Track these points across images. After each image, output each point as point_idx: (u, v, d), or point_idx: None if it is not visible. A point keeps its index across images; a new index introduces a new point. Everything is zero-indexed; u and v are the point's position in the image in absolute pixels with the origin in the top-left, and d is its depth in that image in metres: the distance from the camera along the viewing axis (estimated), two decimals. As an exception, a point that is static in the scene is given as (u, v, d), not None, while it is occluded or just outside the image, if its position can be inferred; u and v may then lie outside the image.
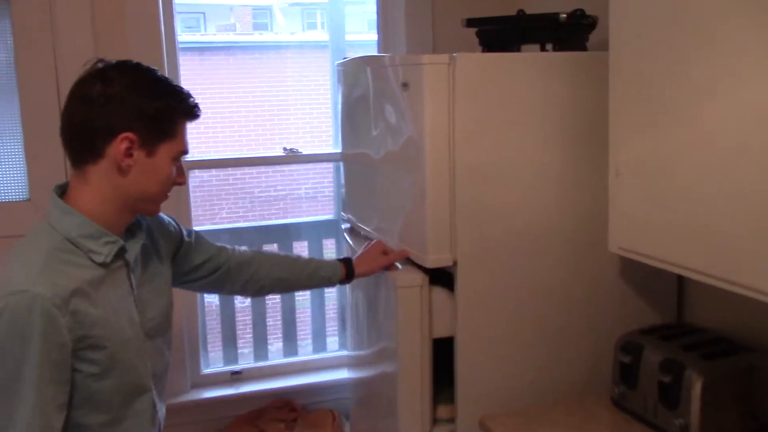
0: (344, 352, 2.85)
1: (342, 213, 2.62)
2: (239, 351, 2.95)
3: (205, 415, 2.65)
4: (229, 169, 2.82)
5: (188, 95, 1.44)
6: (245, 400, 2.69)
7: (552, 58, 2.04)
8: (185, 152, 1.45)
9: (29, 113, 2.46)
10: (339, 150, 2.63)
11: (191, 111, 1.43)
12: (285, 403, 2.71)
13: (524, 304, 1.98)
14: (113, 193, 1.39)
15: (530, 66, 1.96)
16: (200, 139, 2.76)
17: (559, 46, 2.10)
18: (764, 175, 1.44)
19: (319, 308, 3.06)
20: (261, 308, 2.99)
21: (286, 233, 3.07)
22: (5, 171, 2.50)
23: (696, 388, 1.67)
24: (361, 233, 2.39)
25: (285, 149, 2.77)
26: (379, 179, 2.22)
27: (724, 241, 1.56)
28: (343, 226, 2.59)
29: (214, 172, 2.86)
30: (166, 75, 2.50)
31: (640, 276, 2.07)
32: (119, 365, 1.39)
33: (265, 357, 2.96)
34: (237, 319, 2.99)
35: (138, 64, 1.43)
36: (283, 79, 2.89)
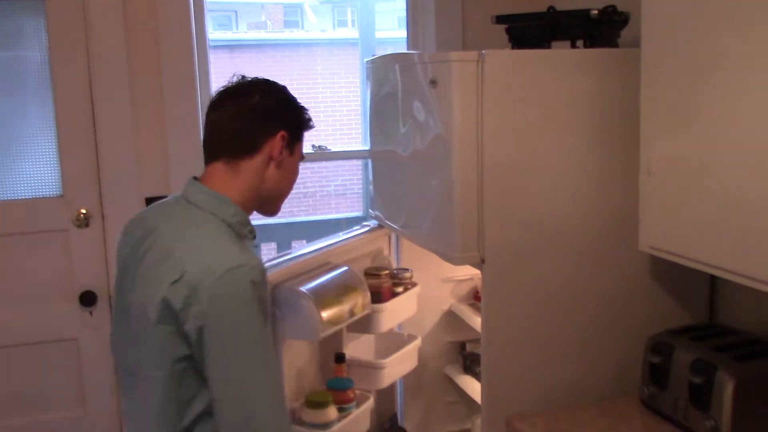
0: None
1: (370, 210, 2.62)
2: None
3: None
4: None
5: (307, 110, 1.72)
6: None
7: (582, 55, 2.02)
8: (303, 157, 1.74)
9: (63, 111, 2.50)
10: (368, 147, 2.63)
11: (311, 123, 1.73)
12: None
13: (552, 302, 1.96)
14: (259, 186, 1.63)
15: (560, 63, 1.94)
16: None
17: (590, 43, 2.07)
18: (799, 173, 1.41)
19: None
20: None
21: (314, 230, 3.09)
22: (39, 167, 2.54)
23: (728, 389, 1.64)
24: (392, 231, 2.39)
25: (314, 146, 2.78)
26: (407, 176, 2.22)
27: (758, 241, 1.53)
28: (370, 223, 2.59)
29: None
30: (197, 72, 2.56)
31: (671, 276, 2.04)
32: None
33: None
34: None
35: (275, 82, 1.71)
36: (313, 76, 2.91)
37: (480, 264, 1.91)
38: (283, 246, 3.13)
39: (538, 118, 1.91)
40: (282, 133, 1.61)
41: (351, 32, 2.90)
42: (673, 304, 2.08)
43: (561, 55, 2.02)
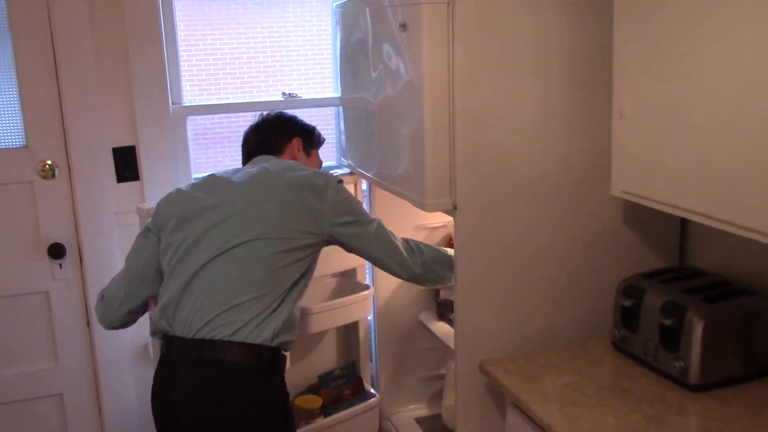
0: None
1: (342, 159, 2.59)
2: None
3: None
4: (232, 115, 2.80)
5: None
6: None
7: (556, -3, 1.98)
8: (321, 162, 2.38)
9: (24, 61, 2.42)
10: (339, 95, 2.59)
11: (321, 137, 2.35)
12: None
13: (525, 248, 1.96)
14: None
15: (533, 5, 1.90)
16: (201, 86, 2.73)
17: (564, -15, 2.03)
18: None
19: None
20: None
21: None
22: (1, 118, 2.47)
23: (697, 330, 1.66)
24: (364, 178, 2.36)
25: (284, 94, 2.73)
26: (378, 124, 2.19)
27: (728, 184, 1.53)
28: (342, 171, 2.57)
29: (216, 119, 2.83)
30: (161, 19, 2.48)
31: (642, 220, 2.05)
32: None
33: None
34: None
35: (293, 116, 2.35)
36: (285, 24, 2.83)
37: (452, 211, 1.90)
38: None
39: (511, 62, 1.88)
40: (297, 138, 2.23)
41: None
42: (645, 247, 2.09)
43: (533, -2, 1.98)
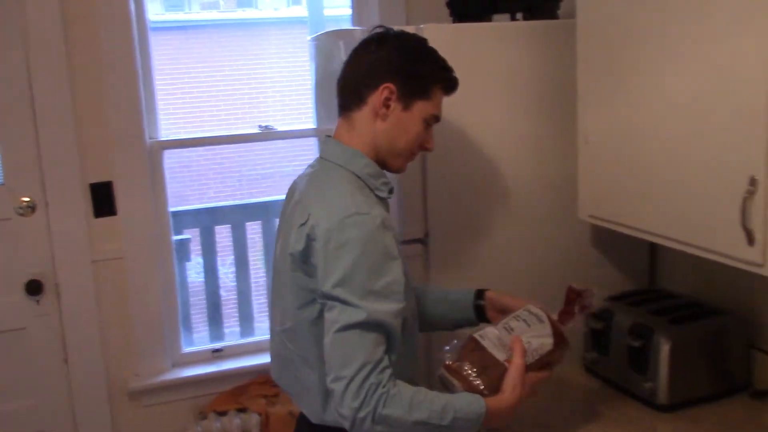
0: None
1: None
2: (226, 329, 2.96)
3: (186, 394, 2.66)
4: (216, 147, 2.83)
5: (448, 68, 1.59)
6: (227, 378, 2.70)
7: (521, 27, 2.03)
8: (437, 118, 1.59)
9: (0, 99, 2.44)
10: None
11: (446, 81, 1.58)
12: (267, 379, 2.72)
13: (495, 271, 1.99)
14: (372, 140, 1.54)
15: (499, 35, 1.96)
16: (178, 120, 2.76)
17: (530, 15, 2.09)
18: (729, 139, 1.45)
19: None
20: (245, 287, 3.01)
21: (271, 211, 3.08)
22: (-20, 157, 2.48)
23: (664, 351, 1.69)
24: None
25: (260, 126, 2.76)
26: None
27: (691, 207, 1.57)
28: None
29: (202, 150, 2.86)
30: (137, 55, 2.51)
31: (611, 243, 2.08)
32: (407, 292, 1.47)
33: (252, 334, 2.98)
34: (224, 297, 3.00)
35: (413, 34, 1.61)
36: (267, 56, 2.87)
37: (425, 238, 1.93)
38: (238, 228, 3.10)
39: (481, 90, 1.92)
40: (387, 85, 1.50)
41: (303, 10, 2.88)
42: (615, 270, 2.12)
43: (500, 28, 2.03)
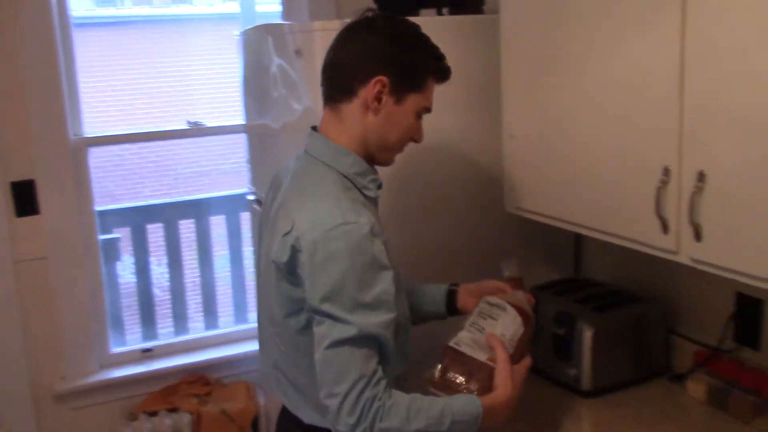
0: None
1: (249, 186, 2.60)
2: (159, 329, 2.92)
3: (115, 395, 2.62)
4: (151, 144, 2.78)
5: (441, 57, 1.50)
6: (158, 378, 2.66)
7: (447, 22, 2.06)
8: (429, 109, 1.51)
9: None
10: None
11: (441, 71, 1.50)
12: (198, 378, 2.70)
13: (426, 263, 2.00)
14: (362, 135, 1.45)
15: (426, 30, 1.94)
16: (106, 116, 2.70)
17: (456, 10, 2.11)
18: (644, 132, 1.49)
19: (240, 281, 3.05)
20: (179, 285, 2.96)
21: (204, 209, 3.04)
22: None
23: (586, 338, 1.74)
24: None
25: (189, 122, 2.73)
26: (280, 150, 2.21)
27: (610, 198, 1.61)
28: (249, 198, 2.57)
29: (135, 148, 2.81)
30: (59, 51, 2.45)
31: (538, 234, 2.12)
32: (400, 297, 1.42)
33: (186, 332, 2.94)
34: (158, 296, 2.96)
35: (405, 20, 1.51)
36: (200, 51, 2.84)
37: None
38: (171, 226, 3.06)
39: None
40: (379, 78, 1.41)
41: (237, 6, 2.86)
42: (542, 261, 2.16)
43: (426, 23, 2.01)
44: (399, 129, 1.47)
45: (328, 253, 1.29)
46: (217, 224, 3.09)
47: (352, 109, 1.44)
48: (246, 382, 2.73)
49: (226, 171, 3.06)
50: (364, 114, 1.43)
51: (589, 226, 1.70)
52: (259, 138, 2.43)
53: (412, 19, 1.53)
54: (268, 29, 2.27)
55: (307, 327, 1.36)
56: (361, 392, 1.26)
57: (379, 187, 1.51)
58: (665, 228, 1.47)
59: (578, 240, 2.23)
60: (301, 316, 1.37)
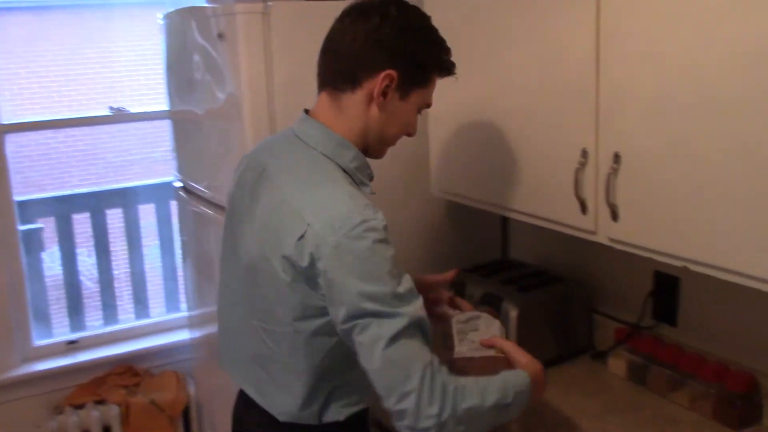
0: (189, 313, 2.80)
1: (175, 173, 2.55)
2: (87, 320, 2.85)
3: (39, 389, 2.54)
4: (78, 132, 2.70)
5: (447, 51, 1.43)
6: (84, 370, 2.60)
7: (372, 6, 2.04)
8: (429, 105, 1.46)
9: None
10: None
11: (447, 67, 1.43)
12: (127, 369, 2.65)
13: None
14: (363, 128, 1.39)
15: (348, 12, 1.95)
16: (41, 103, 2.62)
17: (380, -6, 2.10)
18: (562, 114, 1.52)
19: (171, 270, 3.00)
20: (107, 275, 2.90)
21: (132, 197, 2.97)
22: None
23: (512, 318, 1.76)
24: (197, 193, 2.33)
25: (111, 108, 2.66)
26: (204, 136, 2.17)
27: (532, 180, 1.64)
28: (176, 186, 2.52)
29: (62, 137, 2.73)
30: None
31: (466, 217, 2.14)
32: None
33: (116, 322, 2.88)
34: (86, 287, 2.88)
35: (417, 9, 1.42)
36: (125, 37, 2.76)
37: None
38: (98, 216, 2.98)
39: (330, 69, 1.91)
40: (388, 72, 1.33)
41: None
42: (470, 243, 2.19)
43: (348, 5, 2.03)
44: (399, 124, 1.42)
45: (356, 254, 1.22)
46: (147, 213, 3.03)
47: (354, 100, 1.37)
48: (176, 372, 2.69)
49: (157, 159, 3.00)
50: (368, 107, 1.37)
51: (512, 209, 1.72)
52: (184, 124, 2.38)
53: (334, 3, 1.51)
54: (191, 12, 2.22)
55: (321, 331, 1.31)
56: (432, 380, 1.19)
57: (371, 178, 1.46)
58: (584, 209, 1.50)
59: (505, 222, 2.26)
60: (316, 320, 1.31)
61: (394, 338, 1.19)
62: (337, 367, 1.35)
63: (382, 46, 1.33)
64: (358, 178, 1.39)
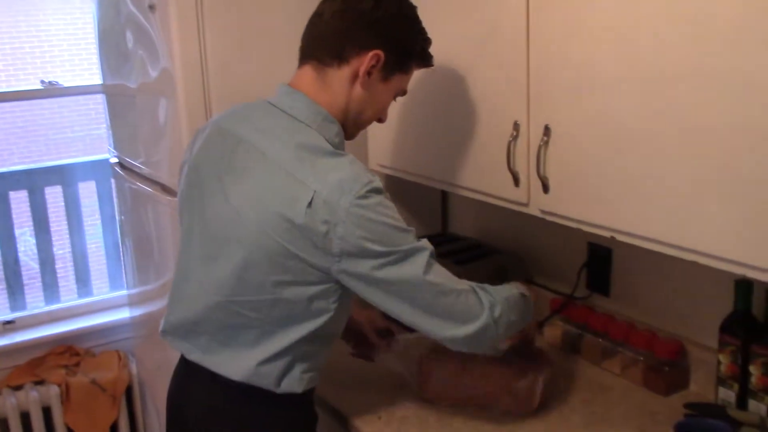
0: (129, 291, 2.77)
1: (110, 149, 2.50)
2: (28, 299, 2.79)
3: (-26, 371, 2.50)
4: (17, 108, 2.62)
5: (429, 42, 1.49)
6: (22, 350, 2.55)
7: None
8: (405, 93, 1.51)
9: None
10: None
11: (427, 58, 1.49)
12: (67, 349, 2.61)
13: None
14: (344, 105, 1.41)
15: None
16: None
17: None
18: (495, 86, 1.53)
19: (114, 248, 2.95)
20: (47, 254, 2.84)
21: (70, 174, 2.91)
22: None
23: (448, 292, 1.77)
24: (134, 170, 2.29)
25: (43, 82, 2.59)
26: (139, 111, 2.13)
27: (466, 153, 1.65)
28: (112, 162, 2.47)
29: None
30: None
31: (405, 191, 2.14)
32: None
33: (57, 301, 2.83)
34: (25, 265, 2.82)
35: None
36: (58, 7, 2.68)
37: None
38: (37, 193, 2.91)
39: (266, 40, 1.88)
40: (376, 52, 1.37)
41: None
42: (410, 217, 2.19)
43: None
44: (376, 106, 1.46)
45: (372, 210, 1.28)
46: (88, 191, 2.97)
47: (340, 76, 1.39)
48: (117, 351, 2.66)
49: (101, 136, 2.94)
50: (352, 84, 1.40)
51: (449, 182, 1.73)
52: (118, 99, 2.33)
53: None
54: (122, -18, 2.16)
55: (321, 294, 1.33)
56: (481, 288, 1.43)
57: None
58: (516, 181, 1.51)
59: (445, 196, 2.27)
60: (318, 286, 1.32)
61: (429, 263, 1.35)
62: (318, 338, 1.38)
63: (373, 27, 1.38)
64: (341, 153, 1.39)
